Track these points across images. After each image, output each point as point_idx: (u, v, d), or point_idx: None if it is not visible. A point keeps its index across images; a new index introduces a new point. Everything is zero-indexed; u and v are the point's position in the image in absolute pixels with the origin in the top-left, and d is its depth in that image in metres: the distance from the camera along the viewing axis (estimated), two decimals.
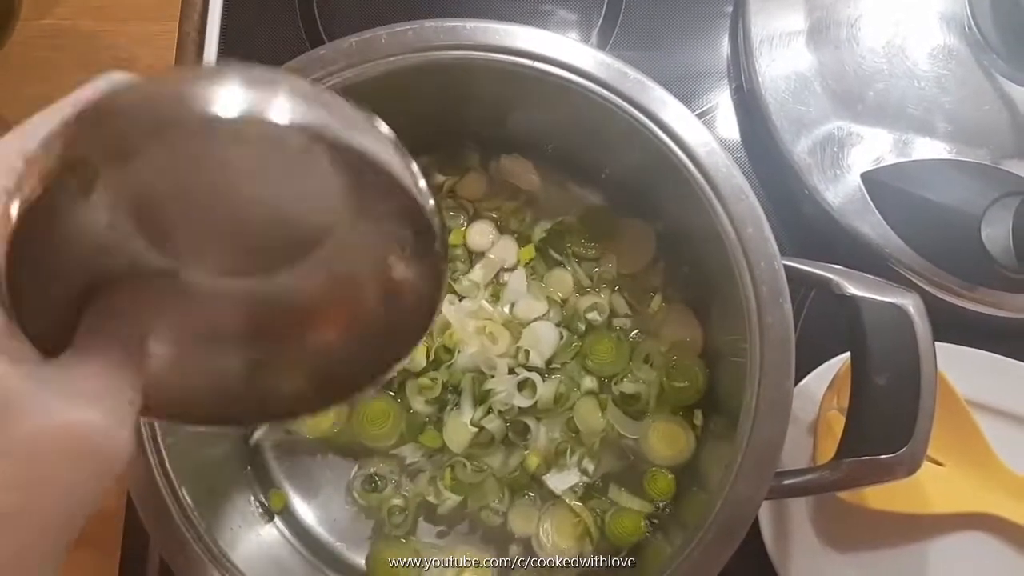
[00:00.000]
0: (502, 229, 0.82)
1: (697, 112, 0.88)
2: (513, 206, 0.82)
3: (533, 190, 0.82)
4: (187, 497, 0.64)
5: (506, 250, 0.81)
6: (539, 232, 0.81)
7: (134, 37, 0.91)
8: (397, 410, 0.77)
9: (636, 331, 0.79)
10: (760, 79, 0.82)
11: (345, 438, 0.78)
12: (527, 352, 0.76)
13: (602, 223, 0.81)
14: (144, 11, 0.91)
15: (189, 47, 0.90)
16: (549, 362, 0.77)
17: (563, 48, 0.67)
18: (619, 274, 0.80)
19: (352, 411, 0.77)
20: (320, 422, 0.77)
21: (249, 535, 0.74)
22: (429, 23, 0.67)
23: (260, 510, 0.77)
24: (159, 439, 0.64)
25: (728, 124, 0.89)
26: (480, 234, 0.81)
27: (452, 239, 0.80)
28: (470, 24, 0.67)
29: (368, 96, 0.67)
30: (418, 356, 0.76)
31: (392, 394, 0.78)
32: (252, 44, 0.90)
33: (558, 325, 0.78)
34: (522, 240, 0.81)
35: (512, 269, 0.80)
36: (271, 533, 0.76)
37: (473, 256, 0.81)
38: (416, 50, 0.66)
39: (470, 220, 0.82)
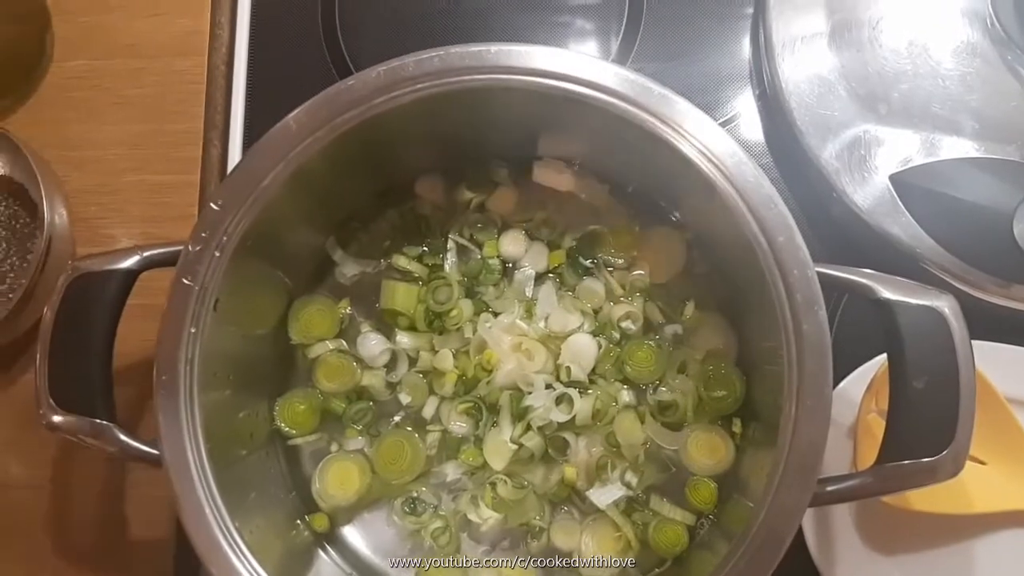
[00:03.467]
0: (533, 238, 0.83)
1: (722, 120, 0.88)
2: (543, 216, 0.83)
3: (571, 190, 0.82)
4: (235, 524, 0.65)
5: (538, 256, 0.82)
6: (569, 240, 0.82)
7: (165, 73, 0.93)
8: (413, 441, 0.78)
9: (670, 339, 0.80)
10: (783, 84, 0.82)
11: (377, 485, 0.79)
12: (568, 369, 0.76)
13: (632, 233, 0.82)
14: (173, 47, 0.93)
15: (219, 80, 0.92)
16: (591, 374, 0.78)
17: (587, 67, 0.67)
18: (651, 283, 0.81)
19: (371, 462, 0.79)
20: (347, 486, 0.78)
21: (298, 559, 0.75)
22: (454, 49, 0.68)
23: (306, 532, 0.78)
24: (206, 466, 0.66)
25: (753, 130, 0.89)
26: (512, 243, 0.82)
27: (486, 251, 0.82)
28: (494, 48, 0.67)
29: (397, 123, 0.69)
30: (447, 384, 0.78)
31: (409, 428, 0.80)
32: (280, 75, 0.92)
33: (594, 336, 0.78)
34: (552, 247, 0.82)
35: (542, 281, 0.81)
36: (319, 557, 0.78)
37: (507, 268, 0.82)
38: (442, 76, 0.67)
39: (500, 231, 0.83)
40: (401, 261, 0.82)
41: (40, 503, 0.86)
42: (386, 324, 0.82)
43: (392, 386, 0.80)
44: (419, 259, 0.82)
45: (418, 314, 0.80)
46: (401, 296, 0.80)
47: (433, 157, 0.82)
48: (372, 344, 0.80)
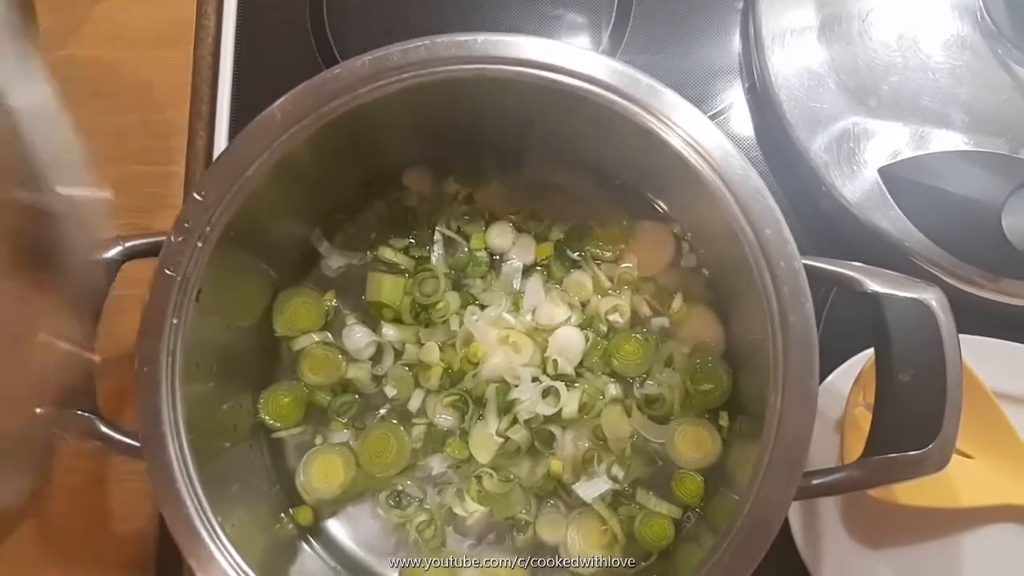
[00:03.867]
0: (520, 230, 0.82)
1: (711, 113, 0.88)
2: (531, 208, 0.82)
3: (559, 183, 0.82)
4: (217, 517, 0.65)
5: (525, 249, 0.81)
6: (557, 233, 0.81)
7: (150, 64, 0.92)
8: (399, 434, 0.78)
9: (658, 332, 0.79)
10: (773, 77, 0.82)
11: (362, 479, 0.78)
12: (555, 362, 0.76)
13: (620, 225, 0.81)
14: (159, 38, 0.92)
15: (204, 71, 0.91)
16: (578, 367, 0.77)
17: (575, 57, 0.67)
18: (639, 276, 0.80)
19: (356, 455, 0.78)
20: (332, 479, 0.78)
21: (281, 553, 0.75)
22: (440, 39, 0.67)
23: (290, 526, 0.78)
24: (187, 458, 0.65)
25: (743, 123, 0.89)
26: (500, 235, 0.81)
27: (473, 243, 0.81)
28: (481, 38, 0.67)
29: (382, 113, 0.69)
30: (433, 377, 0.77)
31: (395, 421, 0.79)
32: (266, 65, 0.91)
33: (581, 329, 0.78)
34: (540, 240, 0.82)
35: (529, 273, 0.81)
36: (303, 550, 0.77)
37: (494, 260, 0.82)
38: (428, 66, 0.67)
39: (488, 223, 0.82)
40: (387, 253, 0.81)
41: None
42: (372, 317, 0.81)
43: (378, 379, 0.80)
44: (406, 251, 0.82)
45: (404, 307, 0.79)
46: (387, 288, 0.79)
47: (420, 148, 0.81)
48: (358, 337, 0.80)
